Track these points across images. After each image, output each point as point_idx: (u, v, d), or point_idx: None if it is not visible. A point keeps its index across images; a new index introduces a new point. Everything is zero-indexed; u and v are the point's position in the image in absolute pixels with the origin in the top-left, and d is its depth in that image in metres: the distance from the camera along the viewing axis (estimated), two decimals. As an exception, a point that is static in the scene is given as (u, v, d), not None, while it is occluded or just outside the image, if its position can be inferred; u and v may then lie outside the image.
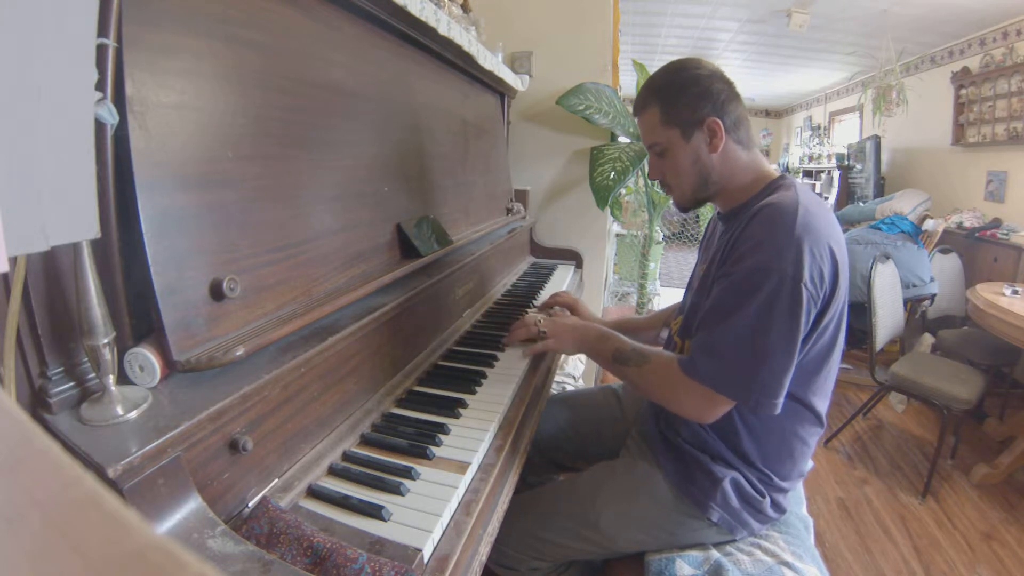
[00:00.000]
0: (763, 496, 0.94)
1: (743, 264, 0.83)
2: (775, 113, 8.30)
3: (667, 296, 3.95)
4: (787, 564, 0.89)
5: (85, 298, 0.50)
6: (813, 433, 0.95)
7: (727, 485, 0.92)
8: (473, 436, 0.80)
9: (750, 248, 0.83)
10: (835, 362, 0.91)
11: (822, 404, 0.93)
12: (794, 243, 0.79)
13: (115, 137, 0.52)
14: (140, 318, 0.58)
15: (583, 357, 2.04)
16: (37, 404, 0.52)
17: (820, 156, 6.42)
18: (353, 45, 0.99)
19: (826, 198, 5.56)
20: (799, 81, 5.99)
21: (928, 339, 2.74)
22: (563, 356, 1.73)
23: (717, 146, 0.92)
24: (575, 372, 2.20)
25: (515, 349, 1.12)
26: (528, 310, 1.40)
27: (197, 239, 0.61)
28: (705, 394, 0.85)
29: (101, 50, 0.50)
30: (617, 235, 3.69)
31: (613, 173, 2.06)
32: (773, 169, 0.98)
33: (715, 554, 0.92)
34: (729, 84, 0.93)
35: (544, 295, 1.57)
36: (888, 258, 2.31)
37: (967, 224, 3.51)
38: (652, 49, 4.87)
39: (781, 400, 0.83)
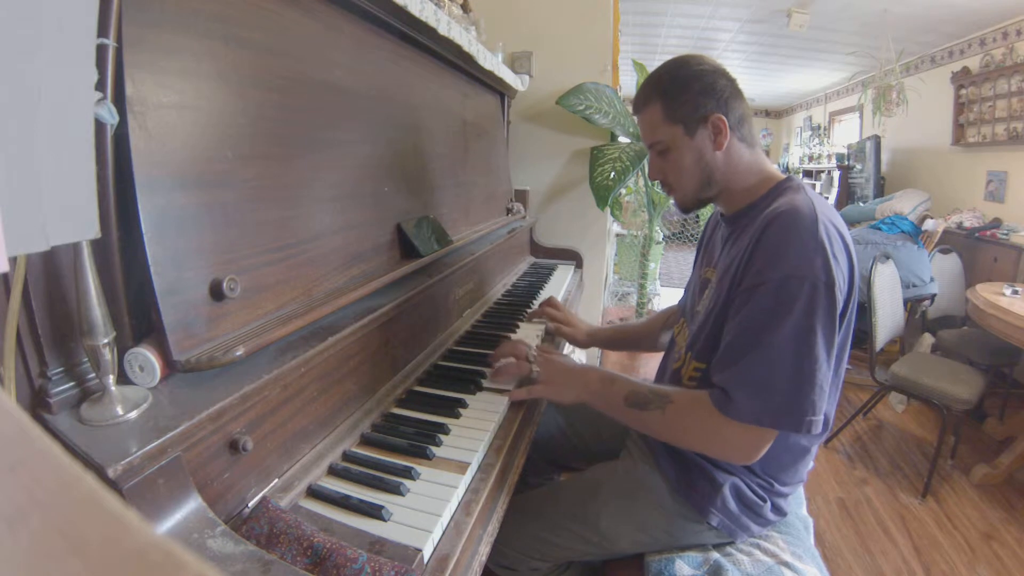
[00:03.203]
0: (763, 501, 0.93)
1: (770, 276, 0.77)
2: (775, 113, 8.30)
3: (667, 296, 3.95)
4: (787, 564, 0.89)
5: (85, 298, 0.50)
6: (816, 439, 0.93)
7: (727, 491, 0.91)
8: (473, 436, 0.80)
9: (773, 258, 0.77)
10: (844, 366, 0.89)
11: (831, 408, 0.89)
12: (820, 247, 0.76)
13: (115, 137, 0.52)
14: (140, 318, 0.58)
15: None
16: (37, 404, 0.52)
17: (820, 156, 6.42)
18: (353, 45, 0.99)
19: (826, 198, 5.55)
20: (799, 81, 5.99)
21: (928, 339, 2.74)
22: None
23: (722, 143, 0.89)
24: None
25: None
26: (526, 311, 1.40)
27: (197, 239, 0.61)
28: (752, 433, 0.78)
29: (101, 50, 0.50)
30: (617, 235, 3.69)
31: (613, 173, 2.06)
32: (777, 169, 0.96)
33: (714, 555, 0.92)
34: (732, 81, 0.91)
35: (544, 295, 1.57)
36: (888, 258, 2.31)
37: (967, 224, 3.51)
38: (652, 49, 4.87)
39: (820, 417, 0.77)
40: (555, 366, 0.98)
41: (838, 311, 0.76)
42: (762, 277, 0.78)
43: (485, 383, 0.98)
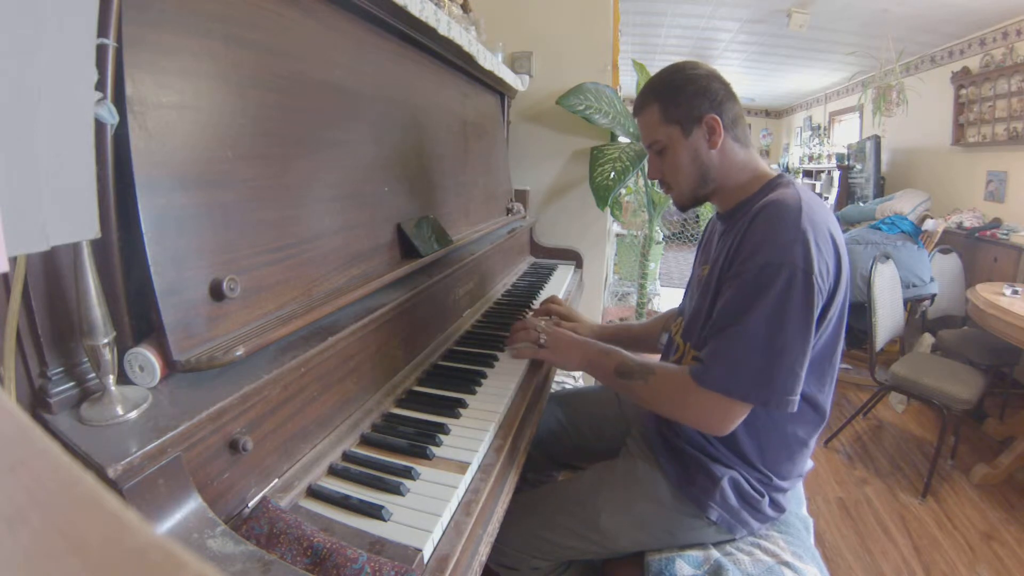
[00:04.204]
0: (762, 496, 0.94)
1: (752, 262, 0.82)
2: (775, 113, 8.30)
3: (667, 296, 3.95)
4: (787, 564, 0.89)
5: (85, 298, 0.50)
6: (813, 432, 0.95)
7: (726, 484, 0.92)
8: (473, 436, 0.80)
9: (757, 245, 0.83)
10: (837, 357, 0.92)
11: (825, 399, 0.93)
12: (801, 236, 0.80)
13: (115, 137, 0.52)
14: (140, 318, 0.58)
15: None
16: (37, 404, 0.52)
17: (820, 156, 6.42)
18: (353, 45, 0.99)
19: (826, 198, 5.55)
20: (799, 81, 5.99)
21: (928, 339, 2.74)
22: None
23: (716, 142, 0.93)
24: (575, 372, 2.20)
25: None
26: (527, 311, 1.41)
27: (197, 239, 0.61)
28: (720, 403, 0.83)
29: (101, 50, 0.50)
30: (617, 235, 3.69)
31: (613, 173, 2.06)
32: (771, 168, 0.99)
33: (715, 554, 0.92)
34: (725, 84, 0.95)
35: (544, 295, 1.58)
36: (888, 258, 2.31)
37: (967, 224, 3.51)
38: (652, 49, 4.87)
39: (796, 398, 0.82)
40: (561, 336, 1.08)
41: (816, 298, 0.80)
42: (745, 265, 0.83)
43: (484, 382, 0.98)
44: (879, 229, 3.33)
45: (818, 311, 0.81)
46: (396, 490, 0.66)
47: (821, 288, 0.80)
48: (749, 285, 0.81)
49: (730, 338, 0.82)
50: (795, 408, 0.82)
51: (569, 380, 2.16)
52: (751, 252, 0.83)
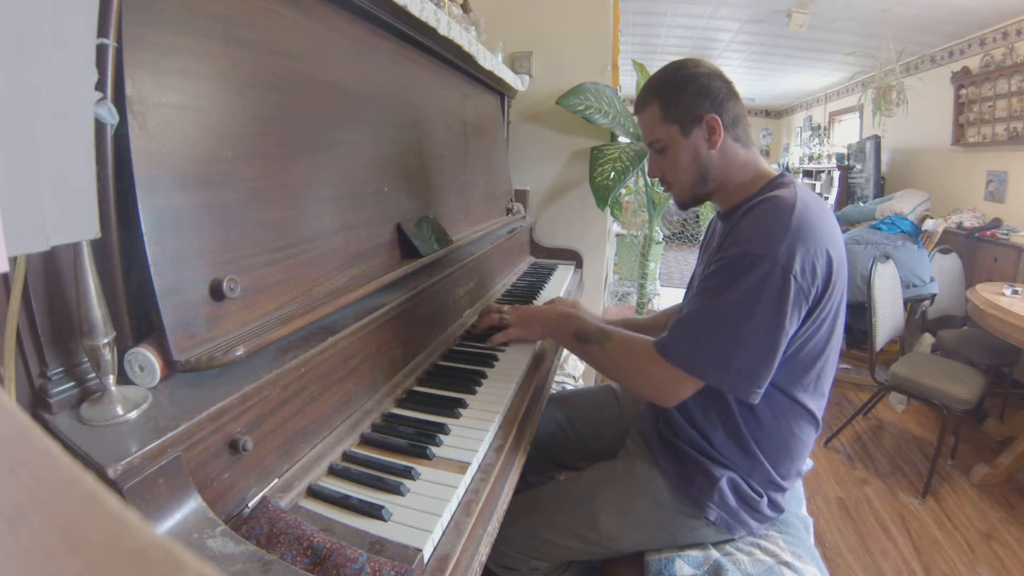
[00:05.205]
0: (760, 496, 0.94)
1: (735, 248, 0.83)
2: (775, 113, 8.30)
3: (667, 296, 3.95)
4: (787, 564, 0.89)
5: (85, 298, 0.50)
6: (809, 432, 0.95)
7: (724, 485, 0.92)
8: (473, 436, 0.80)
9: (743, 235, 0.84)
10: (829, 363, 0.91)
11: (816, 404, 0.93)
12: (788, 234, 0.80)
13: (115, 137, 0.52)
14: (140, 318, 0.58)
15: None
16: (37, 404, 0.52)
17: (820, 156, 6.42)
18: (353, 45, 0.99)
19: (826, 198, 5.55)
20: (799, 81, 5.99)
21: (928, 339, 2.74)
22: (563, 355, 1.73)
23: (716, 142, 0.93)
24: (575, 372, 2.20)
25: (516, 350, 1.12)
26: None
27: (197, 239, 0.61)
28: (675, 375, 0.85)
29: (101, 50, 0.50)
30: (617, 235, 3.70)
31: (613, 173, 2.06)
32: (772, 168, 0.99)
33: (715, 554, 0.92)
34: (728, 83, 0.94)
35: (544, 295, 1.57)
36: (888, 258, 2.31)
37: (967, 224, 3.51)
38: (652, 49, 4.87)
39: (760, 390, 0.83)
40: (521, 311, 1.13)
41: (791, 298, 0.79)
42: (729, 252, 0.84)
43: (484, 382, 0.98)
44: (879, 229, 3.33)
45: (802, 312, 0.82)
46: (396, 490, 0.66)
47: (804, 289, 0.80)
48: (726, 268, 0.83)
49: (697, 313, 0.85)
50: (757, 400, 0.84)
51: (569, 381, 2.15)
52: (736, 240, 0.84)
